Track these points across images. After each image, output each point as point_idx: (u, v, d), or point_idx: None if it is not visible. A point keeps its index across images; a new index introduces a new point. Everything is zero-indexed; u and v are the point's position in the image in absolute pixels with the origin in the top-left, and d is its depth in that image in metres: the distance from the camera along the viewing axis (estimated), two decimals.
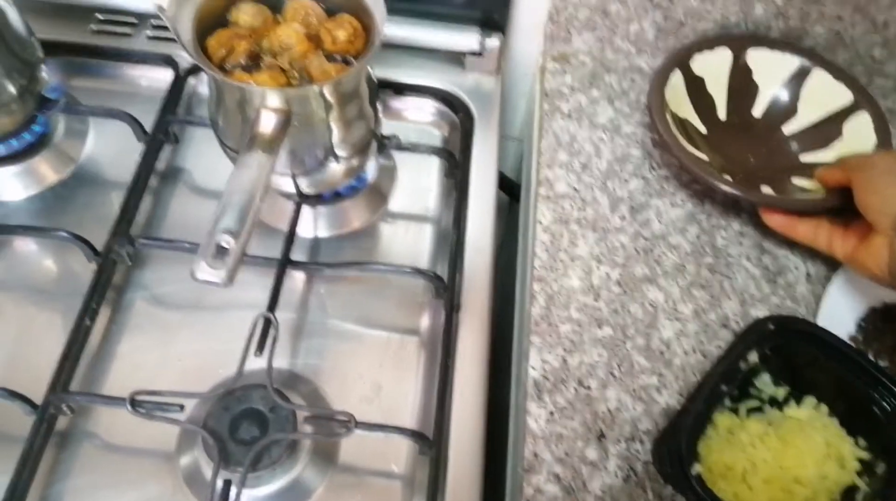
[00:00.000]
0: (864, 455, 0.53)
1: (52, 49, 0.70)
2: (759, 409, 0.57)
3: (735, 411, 0.56)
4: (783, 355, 0.56)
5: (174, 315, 0.63)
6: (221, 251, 0.44)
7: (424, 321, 0.64)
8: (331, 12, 0.58)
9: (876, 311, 0.62)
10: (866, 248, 0.56)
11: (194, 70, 0.74)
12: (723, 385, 0.54)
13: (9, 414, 0.55)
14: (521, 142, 0.91)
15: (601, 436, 0.56)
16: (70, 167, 0.70)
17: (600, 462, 0.55)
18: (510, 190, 0.87)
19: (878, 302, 0.62)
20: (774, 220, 0.64)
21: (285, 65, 0.55)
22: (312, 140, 0.56)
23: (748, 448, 0.53)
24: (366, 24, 0.56)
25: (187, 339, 0.62)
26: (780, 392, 0.57)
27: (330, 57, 0.56)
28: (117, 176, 0.70)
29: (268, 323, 0.56)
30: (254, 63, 0.54)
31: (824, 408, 0.56)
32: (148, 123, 0.70)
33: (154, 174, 0.69)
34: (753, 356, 0.54)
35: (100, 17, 0.78)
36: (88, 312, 0.59)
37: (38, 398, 0.55)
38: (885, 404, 0.52)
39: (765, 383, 0.57)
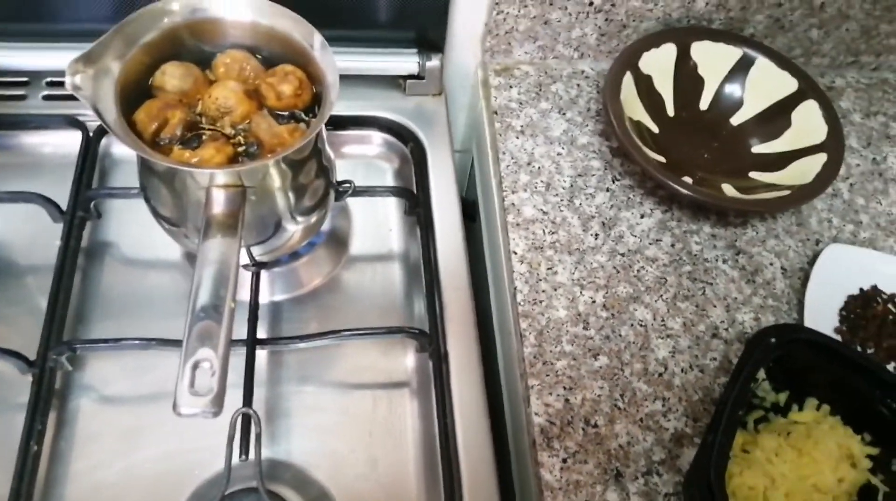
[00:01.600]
0: (874, 450, 0.53)
1: None
2: (765, 418, 0.56)
3: (744, 425, 0.55)
4: (781, 362, 0.55)
5: (130, 417, 0.56)
6: (201, 370, 0.38)
7: (409, 370, 0.60)
8: (267, 62, 0.52)
9: (854, 298, 0.63)
10: None
11: (105, 131, 0.65)
12: (739, 411, 0.53)
13: None
14: (464, 153, 0.87)
15: (618, 475, 0.54)
16: None
17: None
18: (465, 209, 0.83)
19: (854, 289, 0.63)
20: None
21: (228, 130, 0.48)
22: (269, 209, 0.50)
23: (766, 465, 0.52)
24: (310, 74, 0.51)
25: (151, 443, 0.55)
26: (782, 398, 0.56)
27: (275, 114, 0.50)
28: (34, 261, 0.62)
29: (247, 420, 0.50)
30: (192, 134, 0.47)
31: (826, 408, 0.56)
32: (61, 197, 0.61)
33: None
34: (762, 374, 0.53)
35: None
36: (33, 435, 0.51)
37: None
38: (889, 400, 0.52)
39: (766, 390, 0.56)
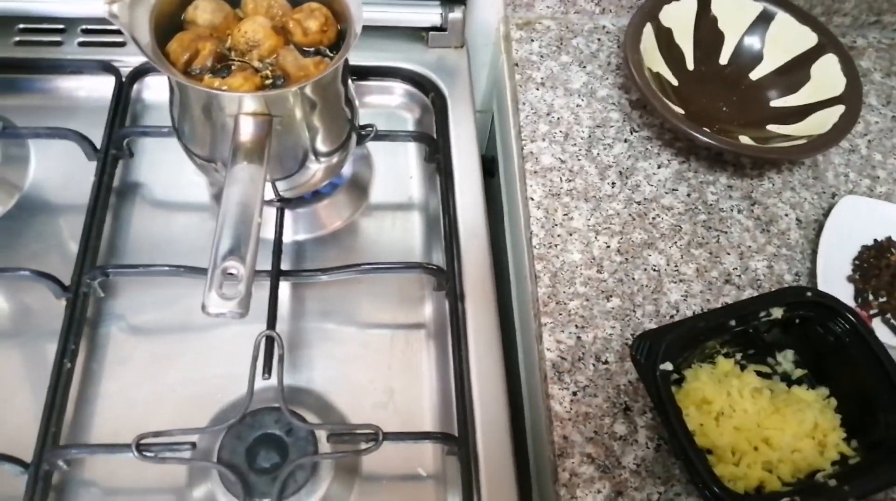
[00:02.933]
0: (850, 452, 0.52)
1: None
2: (767, 376, 0.56)
3: (743, 368, 0.56)
4: (812, 338, 0.55)
5: (159, 344, 0.58)
6: (229, 278, 0.40)
7: (427, 314, 0.62)
8: (294, 2, 0.53)
9: (868, 248, 0.63)
10: None
11: (137, 75, 0.68)
12: (731, 320, 0.54)
13: None
14: (484, 113, 0.88)
15: (627, 409, 0.55)
16: (14, 197, 0.64)
17: (630, 435, 0.54)
18: (484, 165, 0.85)
19: (868, 239, 0.64)
20: None
21: (256, 63, 0.50)
22: (294, 142, 0.52)
23: (735, 393, 0.53)
24: (335, 11, 0.52)
25: (178, 367, 0.57)
26: (797, 373, 0.56)
27: (301, 50, 0.52)
28: (68, 200, 0.64)
29: (271, 342, 0.53)
30: (221, 65, 0.49)
31: (833, 402, 0.54)
32: (95, 138, 0.64)
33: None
34: (777, 312, 0.54)
35: (21, 26, 0.70)
36: (67, 353, 0.54)
37: (27, 455, 0.50)
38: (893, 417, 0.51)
39: (786, 358, 0.56)
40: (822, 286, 0.59)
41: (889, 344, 0.54)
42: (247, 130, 0.46)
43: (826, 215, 0.65)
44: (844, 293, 0.60)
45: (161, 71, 0.45)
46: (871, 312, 0.60)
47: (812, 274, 0.62)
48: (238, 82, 0.47)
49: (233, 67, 0.48)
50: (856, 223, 0.63)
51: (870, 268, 0.62)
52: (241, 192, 0.43)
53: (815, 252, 0.63)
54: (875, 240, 0.63)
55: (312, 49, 0.52)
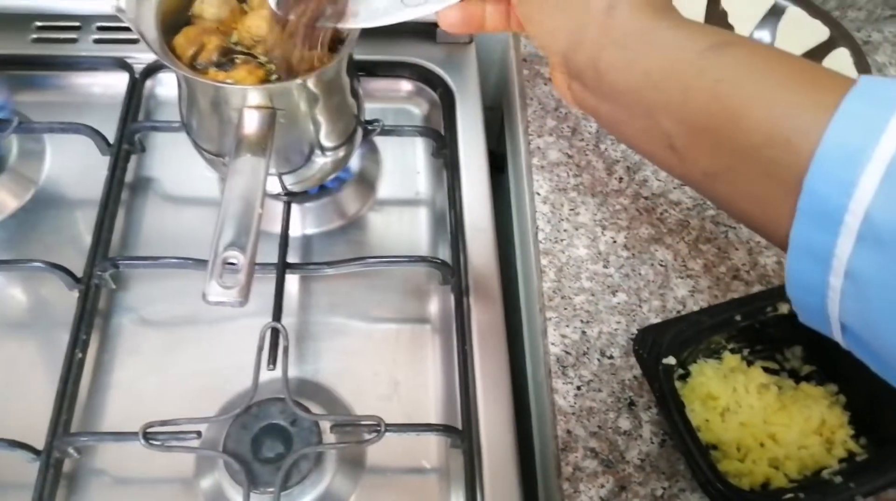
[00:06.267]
0: (858, 449, 0.51)
1: None
2: (775, 371, 0.55)
3: (750, 363, 0.55)
4: (823, 335, 0.54)
5: (168, 335, 0.59)
6: (230, 268, 0.41)
7: (433, 308, 0.62)
8: None
9: None
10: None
11: (150, 72, 0.69)
12: (736, 315, 0.53)
13: (8, 462, 0.51)
14: (494, 110, 0.88)
15: (631, 404, 0.55)
16: (30, 191, 0.65)
17: (634, 430, 0.54)
18: (493, 161, 0.85)
19: None
20: (448, 19, 0.47)
21: (261, 57, 0.51)
22: (298, 136, 0.53)
23: (741, 389, 0.52)
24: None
25: (187, 358, 0.58)
26: (805, 369, 0.55)
27: None
28: (82, 194, 0.65)
29: (276, 333, 0.53)
30: (227, 59, 0.50)
31: (842, 399, 0.53)
32: (108, 133, 0.65)
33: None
34: (784, 308, 0.53)
35: (38, 24, 0.72)
36: (79, 343, 0.55)
37: (38, 442, 0.51)
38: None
39: (794, 354, 0.55)
40: None
41: None
42: (250, 122, 0.47)
43: None
44: None
45: (167, 65, 0.46)
46: None
47: None
48: (242, 75, 0.48)
49: (237, 61, 0.49)
50: None
51: None
52: (242, 183, 0.44)
53: None
54: None
55: None
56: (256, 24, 0.50)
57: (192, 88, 0.50)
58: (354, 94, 0.56)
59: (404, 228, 0.66)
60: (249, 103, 0.47)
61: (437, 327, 0.62)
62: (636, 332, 0.57)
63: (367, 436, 0.50)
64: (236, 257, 0.40)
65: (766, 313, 0.54)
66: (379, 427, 0.50)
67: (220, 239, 0.41)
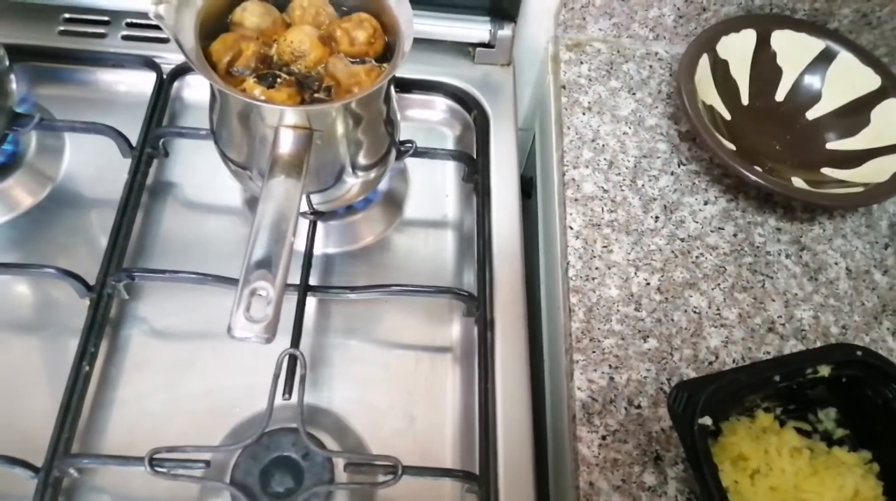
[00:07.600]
0: None
1: (14, 55, 0.62)
2: (807, 433, 0.53)
3: (783, 423, 0.53)
4: (858, 398, 0.52)
5: (179, 350, 0.57)
6: (258, 299, 0.38)
7: (454, 337, 0.60)
8: (340, 10, 0.52)
9: None
10: None
11: (178, 73, 0.67)
12: (776, 375, 0.51)
13: (6, 475, 0.49)
14: (525, 131, 0.86)
15: (658, 459, 0.52)
16: (47, 188, 0.63)
17: (659, 486, 0.51)
18: (521, 185, 0.82)
19: None
20: None
21: (301, 73, 0.49)
22: (333, 157, 0.51)
23: (773, 452, 0.50)
24: (384, 24, 0.51)
25: (196, 376, 0.56)
26: (839, 433, 0.53)
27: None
28: (100, 195, 0.63)
29: (294, 361, 0.51)
30: (264, 66, 0.48)
31: (876, 468, 0.51)
32: (131, 134, 0.63)
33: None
34: (825, 370, 0.51)
35: (67, 16, 0.70)
36: (86, 356, 0.53)
37: (38, 454, 0.49)
38: None
39: (828, 416, 0.54)
40: None
41: None
42: (286, 142, 0.45)
43: (878, 266, 0.62)
44: None
45: (202, 75, 0.44)
46: None
47: (859, 328, 0.59)
48: (282, 97, 0.46)
49: (279, 80, 0.46)
50: None
51: None
52: (276, 208, 0.41)
53: (863, 305, 0.60)
54: None
55: (358, 60, 0.50)
56: (299, 40, 0.48)
57: (226, 101, 0.48)
58: (391, 115, 0.54)
59: (430, 250, 0.64)
60: (286, 123, 0.45)
61: (458, 356, 0.59)
62: (667, 382, 0.55)
63: (382, 478, 0.48)
64: (265, 288, 0.38)
65: (806, 375, 0.52)
66: (396, 469, 0.47)
67: (249, 268, 0.39)
